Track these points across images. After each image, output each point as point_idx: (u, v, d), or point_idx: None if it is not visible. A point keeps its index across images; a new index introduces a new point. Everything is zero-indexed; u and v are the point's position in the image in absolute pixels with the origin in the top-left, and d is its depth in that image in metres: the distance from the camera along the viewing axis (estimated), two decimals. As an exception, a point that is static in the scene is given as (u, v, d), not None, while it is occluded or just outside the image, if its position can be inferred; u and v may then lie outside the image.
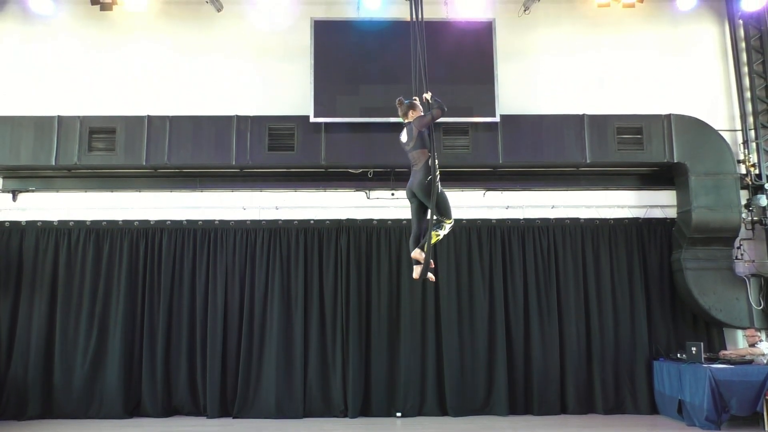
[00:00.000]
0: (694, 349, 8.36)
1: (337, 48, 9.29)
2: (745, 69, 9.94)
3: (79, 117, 9.15)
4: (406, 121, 6.00)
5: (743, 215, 9.26)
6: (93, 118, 9.20)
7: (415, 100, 6.05)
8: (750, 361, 8.30)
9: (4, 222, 9.38)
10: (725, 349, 8.96)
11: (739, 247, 9.38)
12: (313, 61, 9.17)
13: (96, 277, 9.19)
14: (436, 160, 5.80)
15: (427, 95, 5.89)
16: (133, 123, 9.15)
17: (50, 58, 9.76)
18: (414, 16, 5.92)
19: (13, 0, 9.76)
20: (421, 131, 5.81)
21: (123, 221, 9.41)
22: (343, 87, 9.21)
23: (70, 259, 9.24)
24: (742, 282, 9.10)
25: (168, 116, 9.22)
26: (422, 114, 5.93)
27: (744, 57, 9.96)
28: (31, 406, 8.77)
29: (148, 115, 9.19)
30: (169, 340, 9.08)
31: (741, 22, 10.02)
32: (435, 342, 9.14)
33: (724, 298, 8.98)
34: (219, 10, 9.73)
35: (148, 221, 9.42)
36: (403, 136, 5.97)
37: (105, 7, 9.40)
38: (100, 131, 9.12)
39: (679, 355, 8.76)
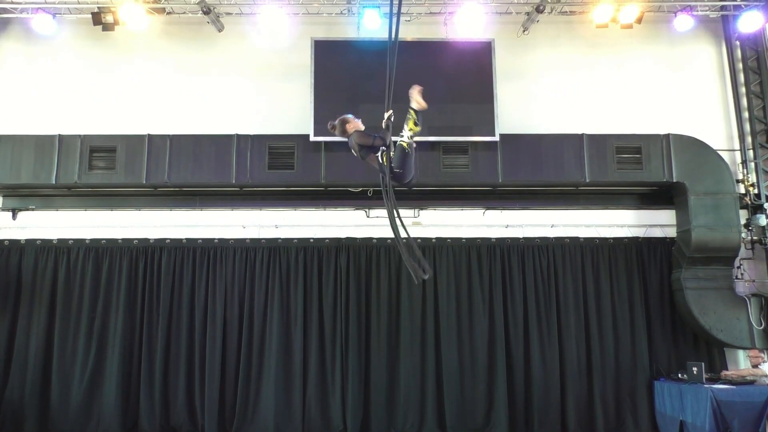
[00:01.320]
0: (695, 369, 8.31)
1: (337, 67, 9.35)
2: (743, 89, 10.00)
3: (79, 136, 9.18)
4: (347, 136, 5.73)
5: (743, 235, 9.26)
6: (94, 137, 9.23)
7: (347, 115, 5.80)
8: (752, 382, 8.25)
9: (4, 240, 9.37)
10: (726, 369, 8.91)
11: (739, 267, 9.36)
12: (313, 81, 9.22)
13: (94, 295, 9.16)
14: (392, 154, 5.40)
15: (387, 113, 5.35)
16: (133, 142, 9.18)
17: (52, 78, 9.82)
18: (390, 31, 5.39)
19: (17, 20, 9.84)
20: (360, 145, 5.50)
21: (122, 240, 9.40)
22: (344, 106, 9.16)
23: (69, 278, 9.21)
24: (742, 302, 9.08)
25: (168, 135, 9.25)
26: (361, 129, 5.63)
27: (741, 77, 10.03)
28: (28, 424, 8.69)
29: (149, 134, 9.23)
30: (168, 359, 9.02)
31: (738, 43, 10.09)
32: (435, 361, 9.08)
33: (724, 317, 8.95)
34: (220, 30, 9.81)
35: (147, 240, 9.41)
36: (352, 149, 5.72)
37: (107, 28, 9.49)
38: (100, 150, 9.15)
39: (680, 375, 8.71)
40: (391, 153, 5.37)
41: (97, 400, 8.83)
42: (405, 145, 5.30)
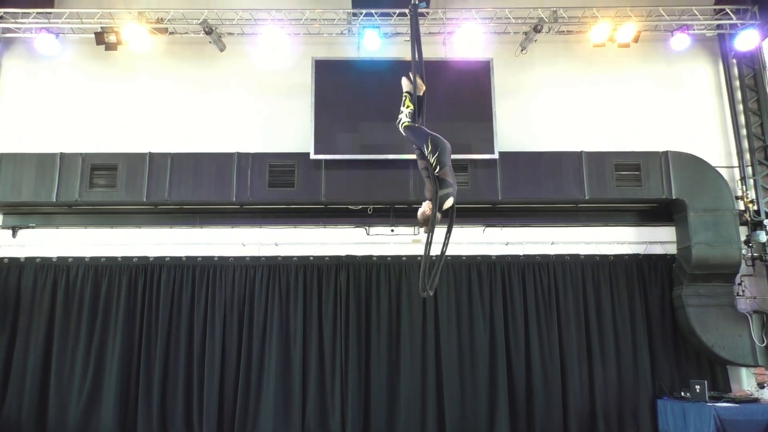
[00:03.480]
0: (698, 387, 8.25)
1: (338, 87, 9.43)
2: (740, 107, 10.07)
3: (81, 154, 9.23)
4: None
5: (743, 251, 9.25)
6: (95, 155, 9.28)
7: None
8: (756, 400, 8.19)
9: (3, 258, 9.36)
10: (729, 386, 8.84)
11: (740, 284, 9.34)
12: (313, 100, 9.29)
13: (93, 314, 9.12)
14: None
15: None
16: (134, 160, 9.23)
17: (54, 96, 9.91)
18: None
19: (20, 40, 9.95)
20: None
21: (122, 257, 9.39)
22: (344, 125, 9.32)
23: (67, 296, 9.18)
24: (744, 319, 9.04)
25: (169, 153, 9.30)
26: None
27: (738, 95, 10.10)
28: (25, 442, 8.61)
29: (150, 152, 9.28)
30: (166, 378, 8.95)
31: (734, 61, 10.19)
32: (435, 379, 9.01)
33: (726, 335, 8.90)
34: (222, 50, 9.91)
35: (147, 257, 9.40)
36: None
37: (110, 47, 9.60)
38: (101, 168, 9.20)
39: (683, 393, 8.63)
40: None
41: (95, 418, 8.75)
42: (407, 122, 5.80)
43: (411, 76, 5.88)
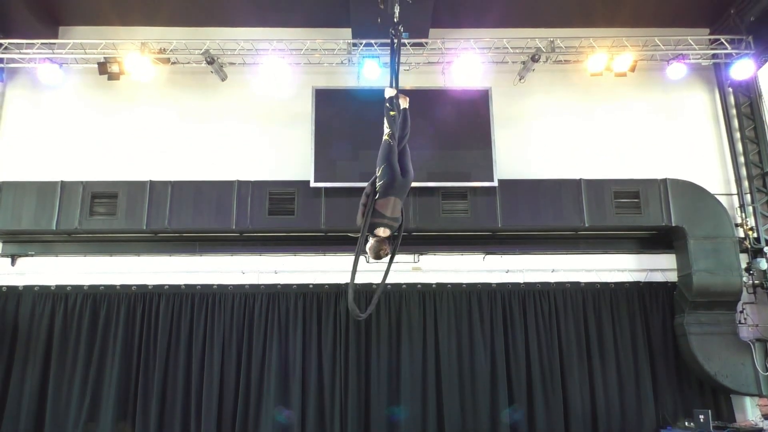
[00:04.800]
0: (702, 417, 8.16)
1: (338, 115, 9.51)
2: (738, 135, 10.14)
3: (81, 182, 9.26)
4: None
5: (744, 279, 9.22)
6: (95, 183, 9.32)
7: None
8: (760, 429, 8.08)
9: (1, 287, 9.32)
10: (734, 416, 8.73)
11: (742, 311, 9.28)
12: (314, 128, 9.36)
13: (91, 343, 9.04)
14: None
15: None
16: (135, 188, 9.26)
17: (56, 124, 9.98)
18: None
19: (24, 70, 10.05)
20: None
21: (120, 286, 9.35)
22: (343, 153, 9.37)
23: (65, 325, 9.12)
24: (747, 347, 8.96)
25: (170, 181, 9.33)
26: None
27: (735, 123, 10.18)
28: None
29: (150, 180, 9.31)
30: (163, 408, 8.84)
31: (731, 89, 10.29)
32: (436, 408, 8.89)
33: (729, 363, 8.82)
34: (223, 80, 10.02)
35: (146, 286, 9.36)
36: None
37: (112, 77, 9.68)
38: (102, 196, 9.22)
39: (687, 423, 8.53)
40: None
41: (91, 450, 8.63)
42: (386, 137, 5.70)
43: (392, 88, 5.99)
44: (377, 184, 5.49)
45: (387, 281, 9.32)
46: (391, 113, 5.83)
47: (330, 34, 10.04)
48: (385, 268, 5.69)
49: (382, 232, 5.42)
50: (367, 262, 5.57)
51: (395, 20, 6.42)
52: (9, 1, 9.42)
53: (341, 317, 9.22)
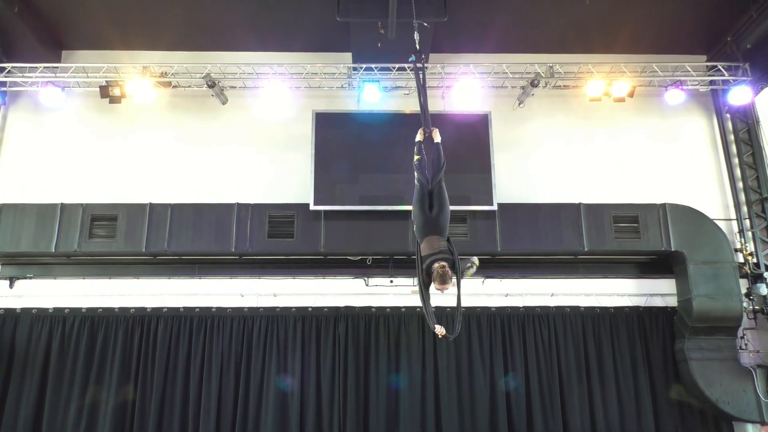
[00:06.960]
0: (703, 444, 8.08)
1: (338, 139, 9.56)
2: (736, 160, 10.18)
3: (81, 204, 9.27)
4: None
5: (744, 304, 9.19)
6: (95, 205, 9.32)
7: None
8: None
9: (-1, 309, 9.29)
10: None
11: (742, 337, 9.24)
12: (313, 152, 9.40)
13: (88, 366, 8.97)
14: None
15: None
16: (134, 210, 9.26)
17: (58, 148, 10.01)
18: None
19: (26, 93, 10.10)
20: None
21: (119, 308, 9.31)
22: (343, 176, 9.41)
23: (63, 348, 9.05)
24: (748, 373, 8.90)
25: (170, 204, 9.34)
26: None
27: (734, 149, 10.23)
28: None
29: (150, 203, 9.32)
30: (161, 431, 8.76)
31: (728, 115, 10.35)
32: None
33: (731, 389, 8.75)
34: (224, 103, 10.08)
35: (144, 308, 9.32)
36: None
37: (114, 100, 9.71)
38: (101, 218, 9.22)
39: (688, 450, 8.44)
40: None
41: (86, 475, 8.51)
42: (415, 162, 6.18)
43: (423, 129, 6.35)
44: (414, 229, 5.91)
45: (386, 305, 9.41)
46: (416, 158, 6.03)
47: (330, 59, 10.13)
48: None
49: (438, 265, 5.54)
50: (442, 293, 5.74)
51: (417, 49, 6.44)
52: (14, 25, 9.49)
53: (340, 340, 9.17)
